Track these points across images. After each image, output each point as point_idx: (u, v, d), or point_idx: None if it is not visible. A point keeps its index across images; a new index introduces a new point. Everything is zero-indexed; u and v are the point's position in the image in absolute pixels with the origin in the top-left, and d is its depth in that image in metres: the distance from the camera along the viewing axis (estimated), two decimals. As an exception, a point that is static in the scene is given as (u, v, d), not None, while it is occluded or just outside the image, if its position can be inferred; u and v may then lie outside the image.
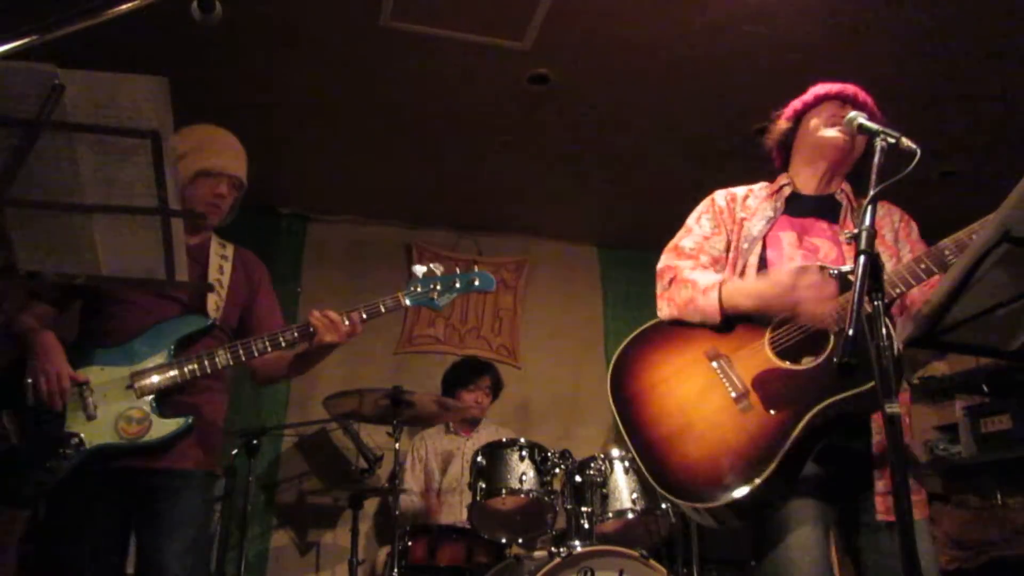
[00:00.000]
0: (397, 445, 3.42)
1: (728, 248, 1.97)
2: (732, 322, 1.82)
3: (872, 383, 1.50)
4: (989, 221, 1.59)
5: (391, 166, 4.38)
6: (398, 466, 3.54)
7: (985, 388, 4.50)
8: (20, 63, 1.11)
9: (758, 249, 1.90)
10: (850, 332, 1.29)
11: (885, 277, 1.63)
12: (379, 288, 5.08)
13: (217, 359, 2.12)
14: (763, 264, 1.89)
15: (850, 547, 1.76)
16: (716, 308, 1.80)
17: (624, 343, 1.94)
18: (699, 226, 2.02)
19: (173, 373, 2.08)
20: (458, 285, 2.34)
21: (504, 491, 2.94)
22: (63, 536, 2.04)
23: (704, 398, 1.76)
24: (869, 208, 1.43)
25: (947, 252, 1.63)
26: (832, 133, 1.93)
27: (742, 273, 1.91)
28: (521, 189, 4.65)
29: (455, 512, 3.68)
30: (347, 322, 2.20)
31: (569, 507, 2.96)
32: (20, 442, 1.97)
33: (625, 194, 4.69)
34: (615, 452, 3.06)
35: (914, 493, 1.72)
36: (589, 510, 2.93)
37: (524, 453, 3.00)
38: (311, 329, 2.17)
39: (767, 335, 1.77)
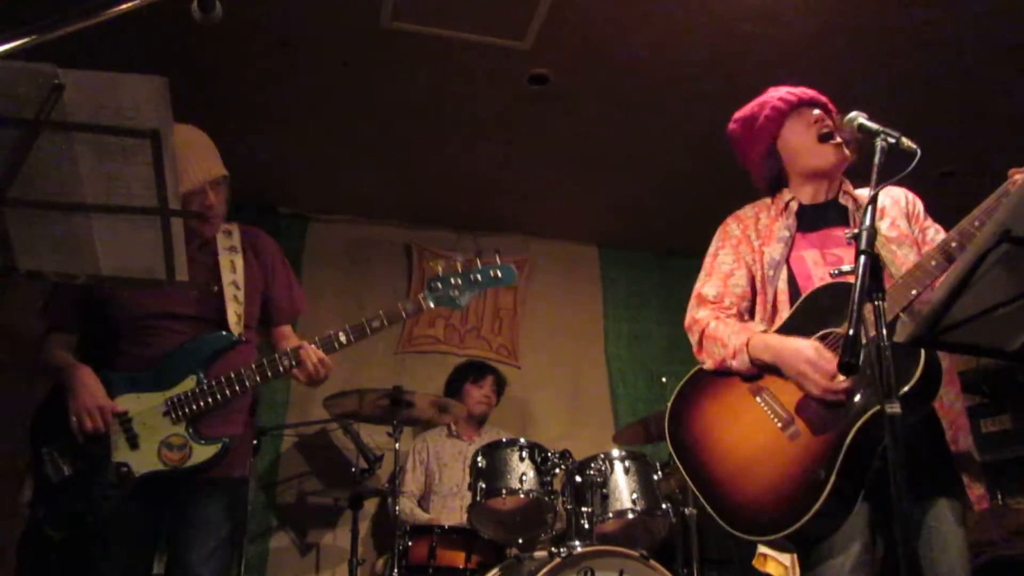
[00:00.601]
0: (397, 445, 3.42)
1: (751, 279, 1.98)
2: None
3: (906, 387, 1.53)
4: (988, 207, 1.59)
5: (391, 166, 4.38)
6: (398, 468, 3.53)
7: (985, 388, 4.49)
8: (20, 63, 1.11)
9: (784, 274, 1.91)
10: (850, 332, 1.30)
11: (900, 281, 1.64)
12: (379, 288, 5.08)
13: (247, 381, 2.13)
14: (793, 287, 1.90)
15: (888, 544, 1.74)
16: (748, 366, 1.83)
17: (673, 395, 1.98)
18: (718, 265, 2.03)
19: (207, 398, 2.11)
20: (479, 280, 2.30)
21: (504, 491, 2.94)
22: (93, 545, 2.05)
23: (754, 433, 1.78)
24: (869, 208, 1.43)
25: (953, 244, 1.63)
26: (827, 156, 1.93)
27: (774, 300, 1.91)
28: (521, 189, 4.65)
29: (455, 516, 3.68)
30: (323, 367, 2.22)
31: (569, 507, 2.96)
32: (72, 474, 2.03)
33: (625, 194, 4.69)
34: (615, 452, 3.06)
35: (973, 489, 1.71)
36: (589, 510, 2.93)
37: (524, 453, 3.00)
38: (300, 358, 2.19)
39: None
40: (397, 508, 3.34)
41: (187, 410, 2.10)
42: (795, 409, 1.74)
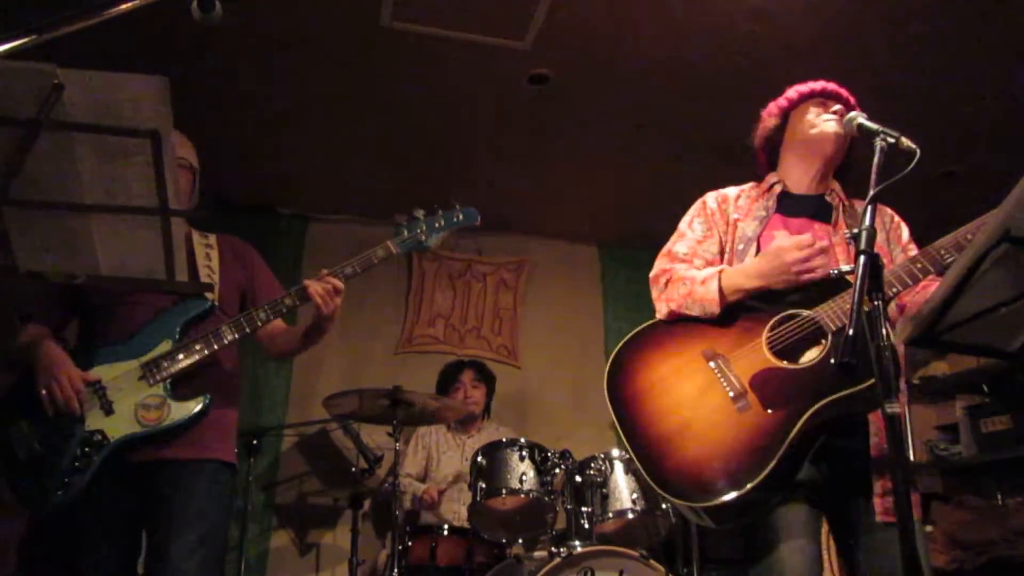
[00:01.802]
0: (397, 445, 3.43)
1: (721, 251, 1.98)
2: (729, 321, 1.82)
3: (869, 382, 1.51)
4: (983, 222, 1.59)
5: (391, 166, 4.38)
6: (398, 466, 3.54)
7: (985, 388, 4.50)
8: (20, 63, 1.11)
9: (753, 250, 1.90)
10: (850, 332, 1.30)
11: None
12: (379, 288, 5.08)
13: (223, 335, 2.11)
14: None
15: (843, 547, 1.76)
16: (715, 297, 1.80)
17: (620, 344, 1.94)
18: (691, 230, 2.02)
19: (182, 356, 2.08)
20: (442, 223, 2.40)
21: (504, 491, 2.94)
22: (73, 547, 2.00)
23: (702, 398, 1.75)
24: (869, 208, 1.43)
25: (943, 252, 1.63)
26: (828, 126, 1.92)
27: None
28: (521, 189, 4.65)
29: (453, 508, 3.69)
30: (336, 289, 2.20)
31: (569, 507, 2.96)
32: (42, 448, 1.97)
33: (625, 193, 4.69)
34: (615, 452, 3.06)
35: (884, 500, 1.70)
36: (589, 510, 2.93)
37: (524, 453, 3.00)
38: (308, 292, 2.17)
39: (764, 334, 1.77)
40: (399, 484, 3.32)
41: (164, 371, 2.05)
42: (749, 381, 1.72)
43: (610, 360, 1.92)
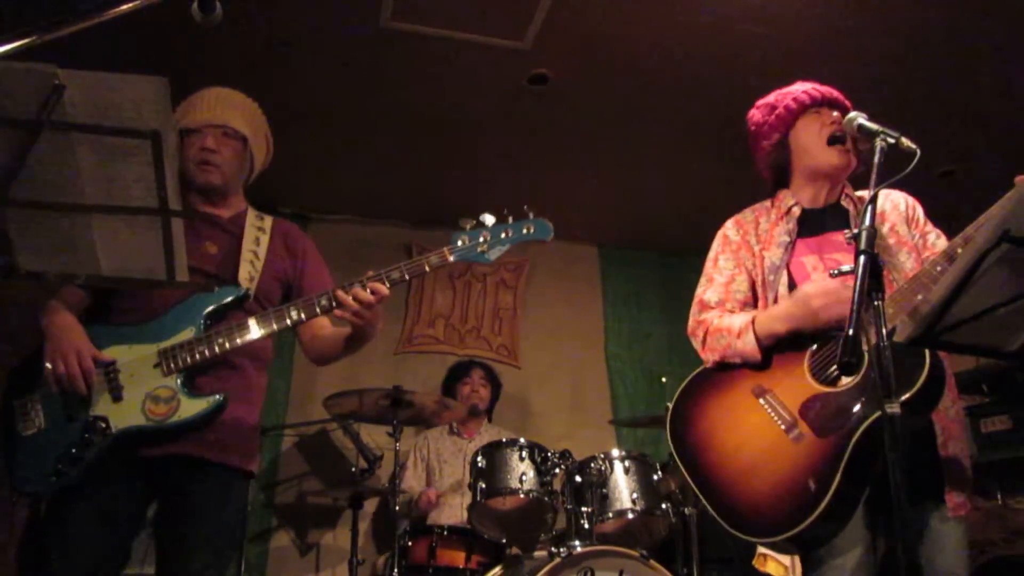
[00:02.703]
0: (397, 445, 3.43)
1: (752, 284, 1.97)
2: (772, 354, 1.84)
3: (910, 393, 1.53)
4: (995, 214, 1.59)
5: (391, 166, 4.38)
6: (398, 466, 3.54)
7: (985, 388, 4.49)
8: (20, 63, 1.11)
9: (784, 278, 1.90)
10: (850, 332, 1.30)
11: (905, 286, 1.64)
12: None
13: (249, 330, 1.92)
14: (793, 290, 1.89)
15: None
16: (755, 347, 1.83)
17: (676, 395, 1.98)
18: (719, 273, 2.01)
19: (203, 348, 1.90)
20: (510, 235, 2.05)
21: (504, 491, 2.94)
22: (75, 537, 1.84)
23: (758, 435, 1.78)
24: (869, 208, 1.43)
25: (959, 251, 1.62)
26: (835, 159, 1.92)
27: (775, 303, 1.90)
28: (521, 189, 4.65)
29: (456, 513, 3.68)
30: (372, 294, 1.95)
31: (569, 507, 2.96)
32: (46, 427, 1.84)
33: (625, 194, 4.69)
34: (615, 452, 3.06)
35: (952, 496, 1.71)
36: (589, 510, 2.93)
37: (524, 453, 3.00)
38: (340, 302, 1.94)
39: (805, 363, 1.78)
40: (402, 486, 3.32)
41: (180, 361, 1.88)
42: (799, 411, 1.73)
43: (669, 414, 1.95)
